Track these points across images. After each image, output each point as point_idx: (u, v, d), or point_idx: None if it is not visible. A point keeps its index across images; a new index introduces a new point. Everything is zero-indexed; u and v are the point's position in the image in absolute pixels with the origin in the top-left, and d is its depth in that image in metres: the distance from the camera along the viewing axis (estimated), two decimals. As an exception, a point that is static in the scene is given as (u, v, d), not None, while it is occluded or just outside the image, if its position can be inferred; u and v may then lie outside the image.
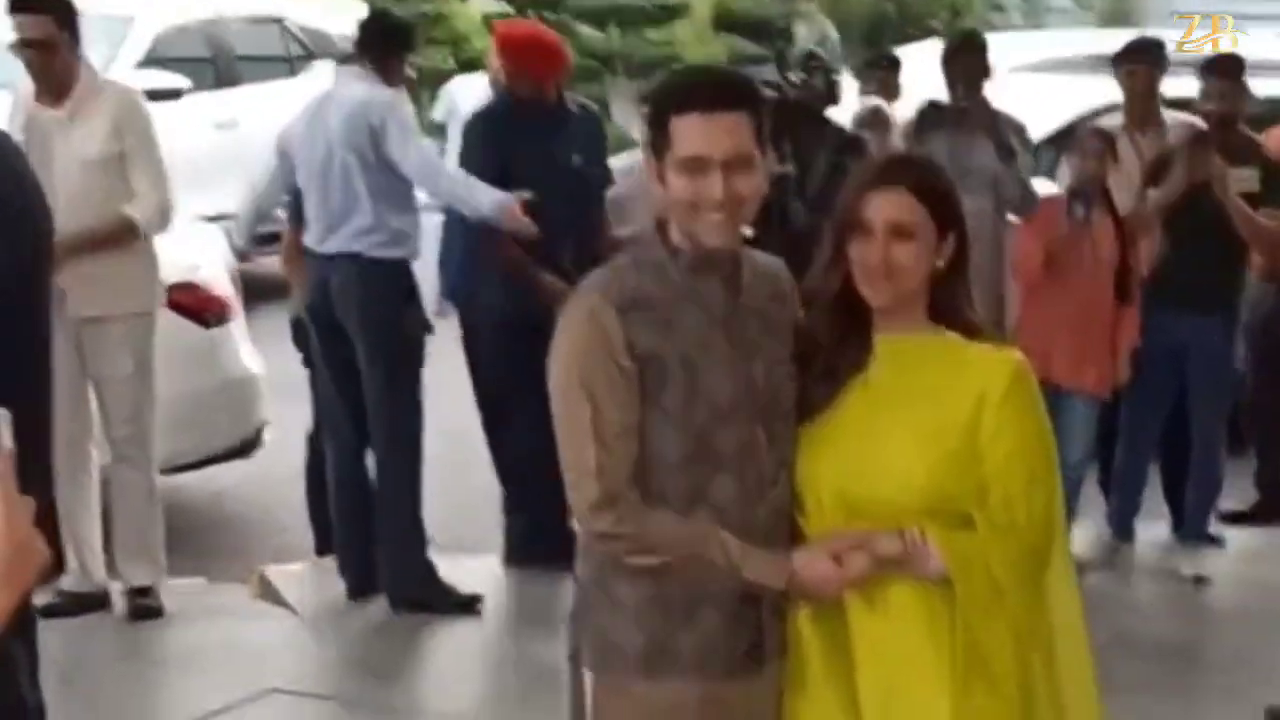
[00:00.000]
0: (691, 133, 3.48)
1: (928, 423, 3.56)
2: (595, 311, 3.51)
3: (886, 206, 3.57)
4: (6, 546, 2.05)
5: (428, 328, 7.51)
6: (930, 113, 7.90)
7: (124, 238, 7.14)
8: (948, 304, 3.66)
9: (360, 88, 7.36)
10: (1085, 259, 7.73)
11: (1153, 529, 8.46)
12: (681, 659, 3.56)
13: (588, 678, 3.63)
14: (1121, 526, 8.36)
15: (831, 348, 3.64)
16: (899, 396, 3.59)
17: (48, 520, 4.39)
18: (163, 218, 7.25)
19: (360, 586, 7.46)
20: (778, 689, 3.64)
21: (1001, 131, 7.83)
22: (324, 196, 7.36)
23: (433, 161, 7.49)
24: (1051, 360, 7.70)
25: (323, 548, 7.94)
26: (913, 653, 3.54)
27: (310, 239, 7.44)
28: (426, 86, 15.13)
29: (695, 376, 3.52)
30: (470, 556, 8.03)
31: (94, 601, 7.34)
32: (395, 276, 7.32)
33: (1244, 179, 7.92)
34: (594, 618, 3.61)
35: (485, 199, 7.28)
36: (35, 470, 4.34)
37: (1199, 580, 7.89)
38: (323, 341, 7.45)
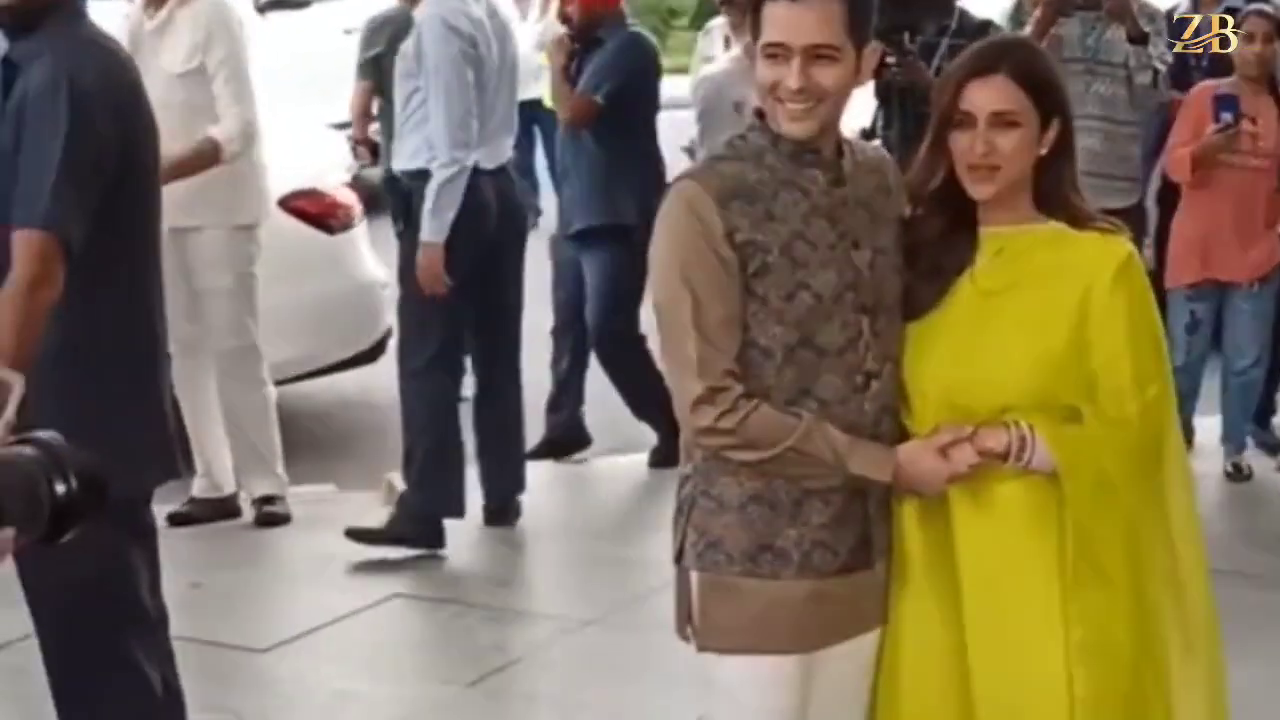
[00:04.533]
0: (777, 18, 3.41)
1: (1034, 316, 3.46)
2: (694, 202, 3.44)
3: (986, 95, 3.45)
4: None
5: None
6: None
7: (208, 162, 7.04)
8: (1053, 192, 3.54)
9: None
10: (1242, 150, 7.51)
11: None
12: (787, 556, 3.50)
13: (693, 577, 3.57)
14: None
15: (936, 245, 3.54)
16: (1005, 291, 3.50)
17: (165, 415, 4.44)
18: (245, 138, 7.11)
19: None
20: (886, 586, 3.57)
21: (1134, 16, 7.61)
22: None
23: (443, 129, 6.86)
24: (1211, 257, 7.54)
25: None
26: (1017, 548, 3.47)
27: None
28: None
29: (797, 266, 3.43)
30: (622, 455, 8.10)
31: (224, 508, 7.39)
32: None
33: None
34: (697, 516, 3.55)
35: (434, 219, 6.80)
36: (153, 361, 4.40)
37: None
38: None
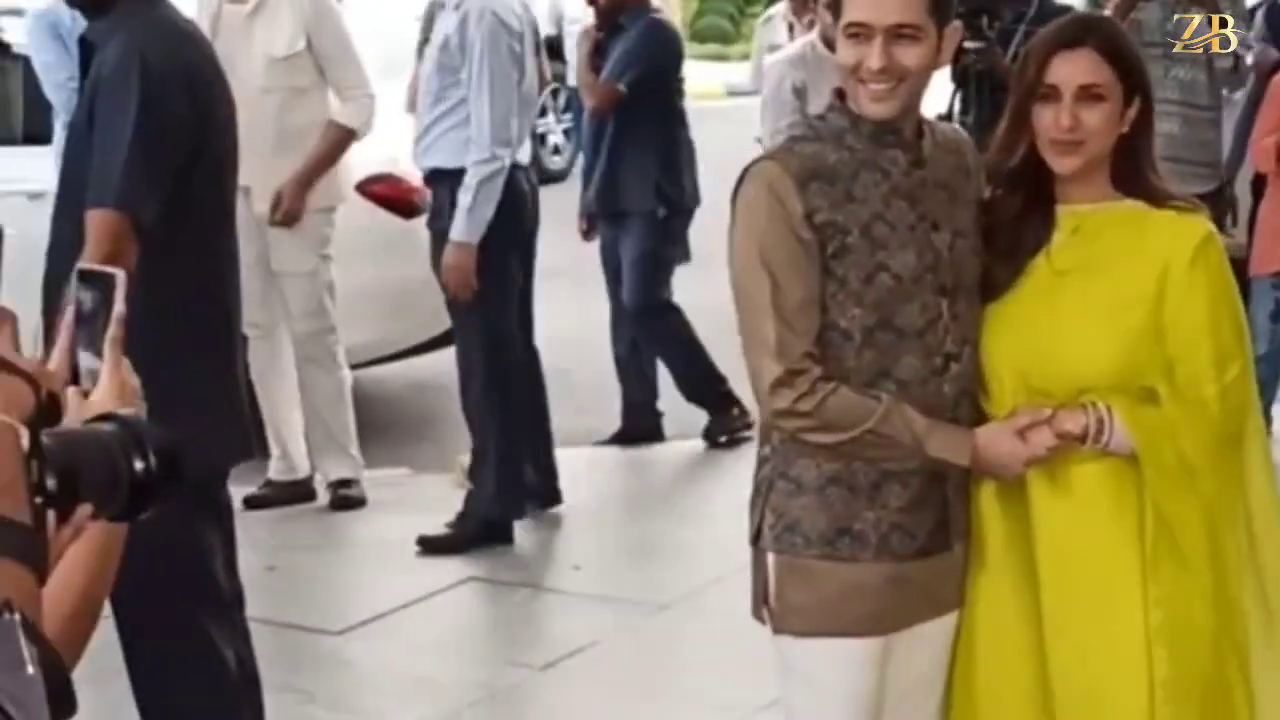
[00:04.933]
0: None
1: (1111, 297, 3.43)
2: (773, 183, 3.42)
3: (1073, 68, 3.42)
4: (117, 406, 2.03)
5: None
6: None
7: (345, 148, 7.17)
8: (1132, 171, 3.51)
9: None
10: None
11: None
12: (865, 539, 3.48)
13: (770, 559, 3.56)
14: None
15: (1012, 224, 3.50)
16: (1082, 271, 3.47)
17: (240, 395, 4.45)
18: (372, 114, 7.24)
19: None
20: (964, 569, 3.54)
21: (1215, 1, 7.54)
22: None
23: (487, 125, 6.72)
24: None
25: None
26: (1096, 531, 3.44)
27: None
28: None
29: (877, 248, 3.42)
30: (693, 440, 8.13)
31: (299, 491, 7.41)
32: None
33: None
34: (775, 498, 3.53)
35: (471, 218, 6.67)
36: (228, 341, 4.41)
37: None
38: None
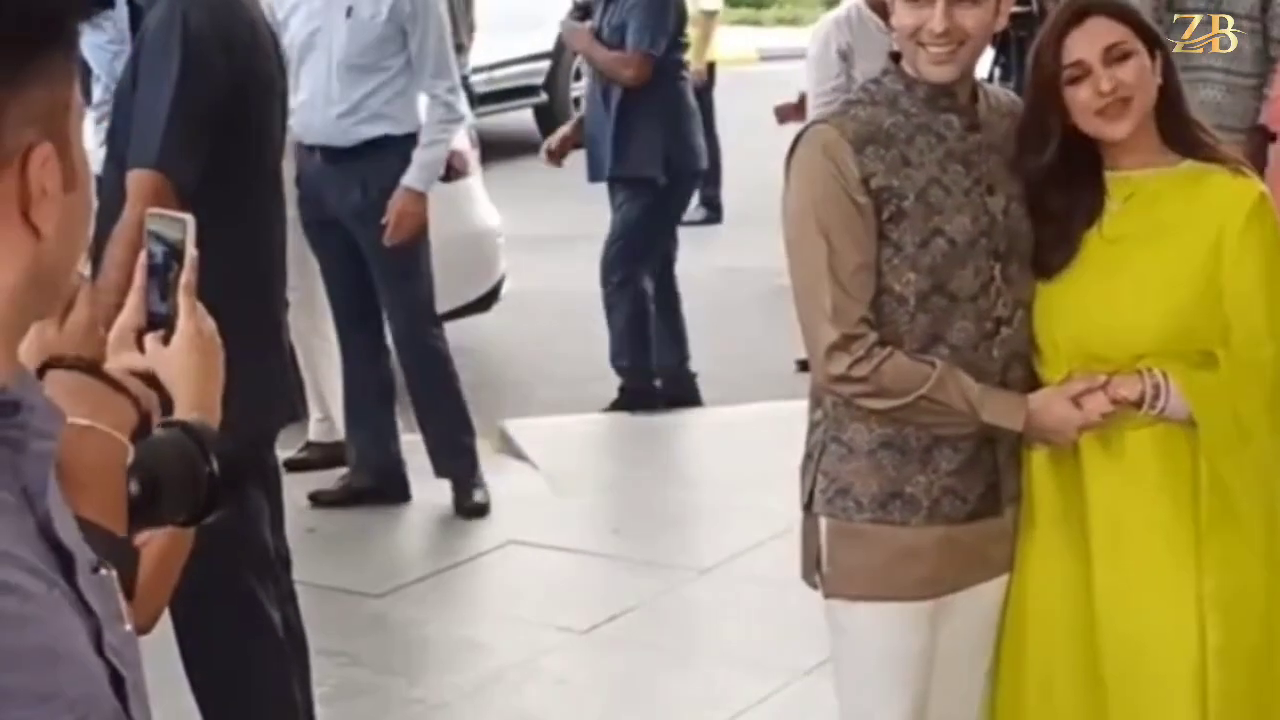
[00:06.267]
0: None
1: (1166, 263, 3.43)
2: (830, 147, 3.42)
3: (1092, 36, 3.42)
4: (196, 350, 2.05)
5: None
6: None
7: None
8: (1180, 129, 3.51)
9: None
10: None
11: None
12: (916, 503, 3.49)
13: (821, 523, 3.56)
14: None
15: (1062, 202, 3.47)
16: (1136, 238, 3.46)
17: (285, 358, 4.44)
18: None
19: None
20: (1014, 533, 3.55)
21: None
22: None
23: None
24: None
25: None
26: (1149, 497, 3.45)
27: None
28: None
29: (932, 212, 3.42)
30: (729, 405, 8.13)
31: (339, 454, 7.41)
32: None
33: None
34: (827, 462, 3.54)
35: (434, 168, 6.87)
36: (272, 304, 4.40)
37: None
38: None
